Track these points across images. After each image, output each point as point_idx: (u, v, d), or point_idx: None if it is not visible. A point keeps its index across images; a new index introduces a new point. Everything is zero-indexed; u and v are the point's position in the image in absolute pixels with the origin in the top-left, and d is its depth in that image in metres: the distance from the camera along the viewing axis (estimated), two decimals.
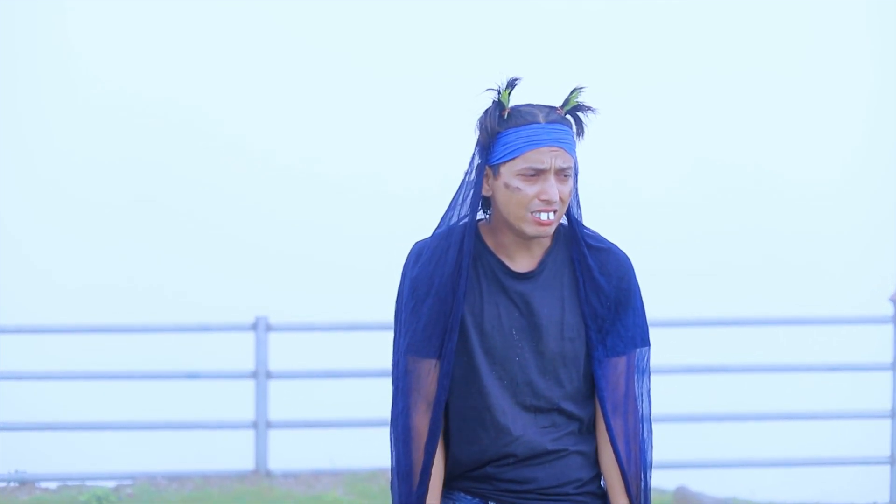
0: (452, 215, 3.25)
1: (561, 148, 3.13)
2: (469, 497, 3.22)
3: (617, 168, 15.51)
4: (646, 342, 3.26)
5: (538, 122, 3.13)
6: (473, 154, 3.22)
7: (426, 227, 3.35)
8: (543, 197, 3.11)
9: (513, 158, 3.13)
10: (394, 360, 3.29)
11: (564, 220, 3.29)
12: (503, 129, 3.15)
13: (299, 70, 16.21)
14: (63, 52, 15.75)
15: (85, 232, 15.25)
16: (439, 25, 15.75)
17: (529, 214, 3.13)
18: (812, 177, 16.27)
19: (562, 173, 3.13)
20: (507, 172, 3.14)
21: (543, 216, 3.12)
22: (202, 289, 14.91)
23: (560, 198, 3.13)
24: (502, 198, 3.16)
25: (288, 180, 15.79)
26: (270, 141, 16.20)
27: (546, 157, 3.12)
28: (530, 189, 3.12)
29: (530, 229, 3.14)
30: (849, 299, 14.75)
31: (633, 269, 3.28)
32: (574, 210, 3.28)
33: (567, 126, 3.17)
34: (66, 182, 15.44)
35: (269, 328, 9.65)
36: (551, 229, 3.15)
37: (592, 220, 3.36)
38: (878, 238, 15.10)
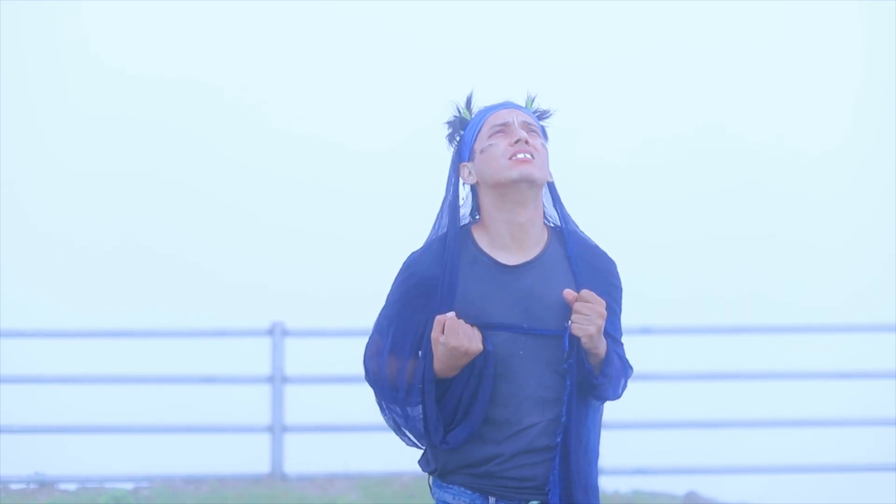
0: (438, 224, 3.37)
1: (519, 110, 3.37)
2: (469, 492, 3.23)
3: (601, 134, 15.34)
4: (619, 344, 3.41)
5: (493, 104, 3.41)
6: (450, 165, 3.41)
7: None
8: (514, 140, 3.28)
9: (479, 130, 3.34)
10: (367, 353, 3.33)
11: (558, 221, 3.38)
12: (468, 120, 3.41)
13: (321, 43, 16.08)
14: (73, 28, 15.64)
15: (97, 209, 15.18)
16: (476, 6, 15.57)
17: (508, 161, 3.27)
18: (806, 144, 15.94)
19: (527, 127, 3.33)
20: (480, 144, 3.33)
21: (521, 154, 3.27)
22: (223, 268, 14.84)
23: (533, 146, 3.29)
24: (483, 166, 3.32)
25: (310, 156, 15.67)
26: (291, 116, 16.08)
27: (507, 115, 3.34)
28: (503, 141, 3.30)
29: (514, 173, 3.26)
30: (845, 278, 14.60)
31: (618, 272, 3.40)
32: (566, 217, 3.40)
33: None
34: (75, 159, 15.35)
35: (285, 333, 9.74)
36: (535, 169, 3.27)
37: (578, 198, 3.52)
38: (878, 212, 14.88)
